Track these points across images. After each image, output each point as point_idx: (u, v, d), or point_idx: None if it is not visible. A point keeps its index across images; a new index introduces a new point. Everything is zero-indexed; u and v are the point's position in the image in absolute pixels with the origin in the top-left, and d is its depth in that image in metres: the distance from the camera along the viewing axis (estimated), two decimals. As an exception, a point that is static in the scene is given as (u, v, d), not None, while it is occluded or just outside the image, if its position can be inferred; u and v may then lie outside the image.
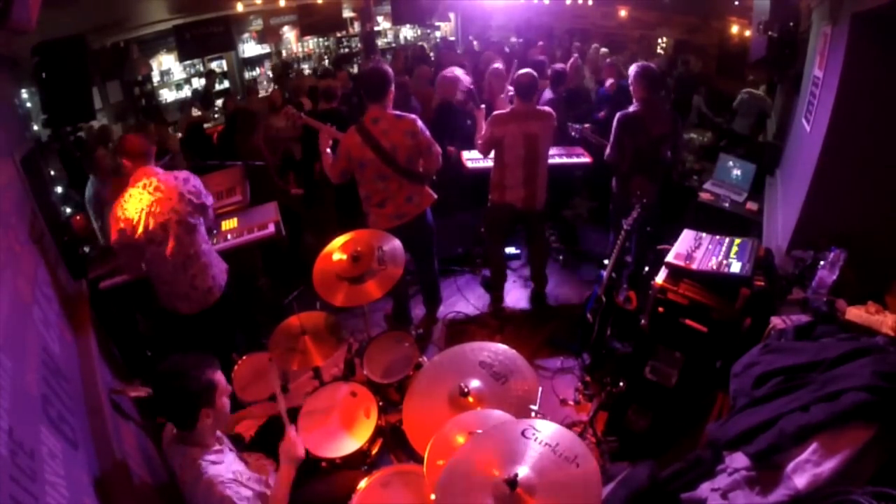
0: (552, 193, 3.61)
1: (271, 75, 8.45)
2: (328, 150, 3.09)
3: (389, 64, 5.68)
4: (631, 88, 3.42)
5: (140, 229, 2.36)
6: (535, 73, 3.36)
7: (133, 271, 2.66)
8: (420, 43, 10.15)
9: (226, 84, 8.37)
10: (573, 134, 4.11)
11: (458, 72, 4.23)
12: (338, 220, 4.36)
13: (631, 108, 3.39)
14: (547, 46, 7.71)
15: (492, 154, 3.45)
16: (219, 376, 1.65)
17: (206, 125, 5.98)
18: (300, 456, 1.82)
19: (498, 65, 4.78)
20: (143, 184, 2.40)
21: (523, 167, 3.36)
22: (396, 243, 2.55)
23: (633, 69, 3.38)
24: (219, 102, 7.59)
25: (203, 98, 7.74)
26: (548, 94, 4.55)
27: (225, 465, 1.63)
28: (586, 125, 4.08)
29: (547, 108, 3.41)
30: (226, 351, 2.82)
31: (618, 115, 3.42)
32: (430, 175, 3.16)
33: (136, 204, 2.37)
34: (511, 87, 4.51)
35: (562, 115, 4.19)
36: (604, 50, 7.16)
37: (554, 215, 4.63)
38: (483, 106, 3.60)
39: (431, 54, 8.89)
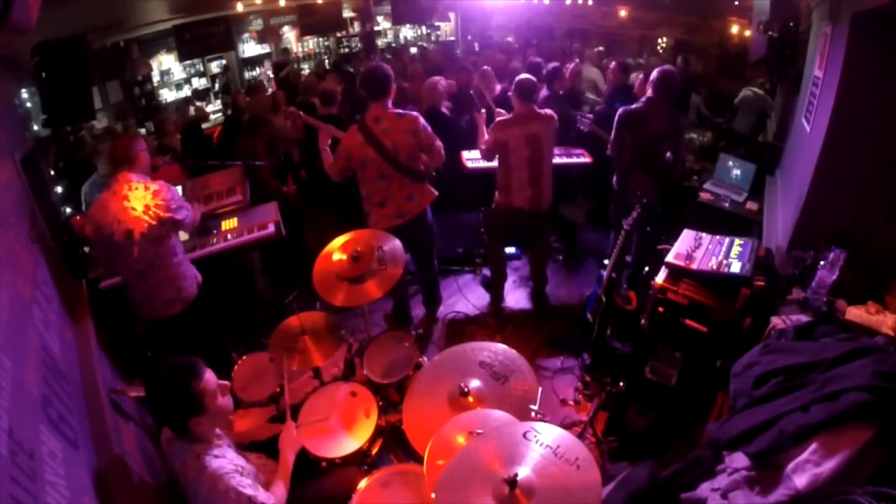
0: (558, 194, 3.61)
1: (272, 74, 8.46)
2: (327, 148, 3.09)
3: (389, 63, 5.67)
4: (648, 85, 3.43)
5: (106, 233, 2.36)
6: (533, 78, 3.39)
7: (107, 269, 2.66)
8: (420, 43, 10.16)
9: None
10: (580, 127, 4.12)
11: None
12: (338, 220, 4.36)
13: (634, 105, 3.41)
14: (546, 47, 7.70)
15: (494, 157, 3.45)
16: (205, 384, 1.58)
17: (203, 125, 5.98)
18: (299, 444, 1.97)
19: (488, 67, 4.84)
20: (114, 190, 2.40)
21: (528, 168, 3.37)
22: (396, 243, 2.55)
23: (655, 71, 3.38)
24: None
25: (224, 90, 7.78)
26: (543, 92, 4.55)
27: (228, 459, 1.64)
28: (588, 117, 4.13)
29: (548, 111, 3.41)
30: (211, 355, 2.81)
31: (620, 110, 3.45)
32: (431, 171, 3.17)
33: (105, 210, 2.37)
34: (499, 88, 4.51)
35: (559, 112, 4.21)
36: (600, 49, 7.18)
37: (554, 215, 4.63)
38: (483, 110, 3.59)
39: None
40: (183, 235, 3.17)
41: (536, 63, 5.00)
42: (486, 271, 4.15)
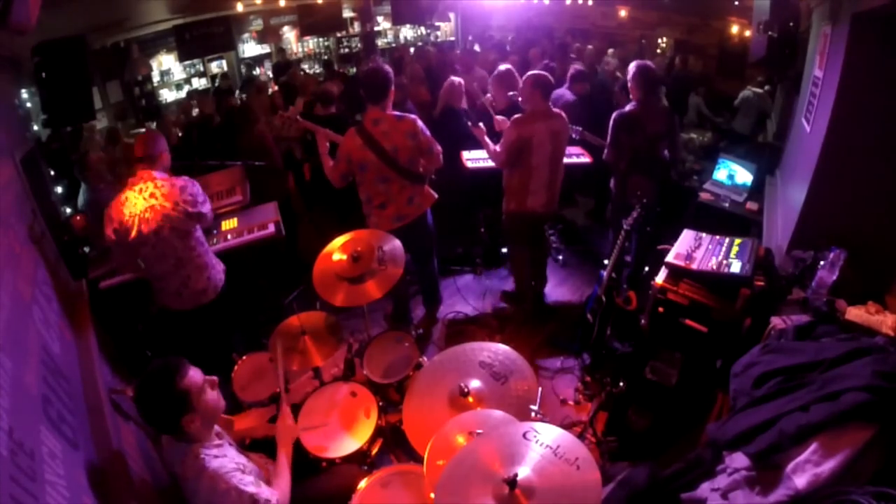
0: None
1: (271, 74, 8.46)
2: (327, 153, 3.07)
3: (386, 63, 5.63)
4: (629, 86, 3.42)
5: (133, 233, 2.37)
6: (550, 77, 3.28)
7: (130, 269, 2.66)
8: (419, 43, 10.15)
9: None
10: (573, 136, 4.08)
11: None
12: (338, 220, 4.36)
13: (627, 108, 3.39)
14: (546, 48, 7.68)
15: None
16: (189, 381, 1.55)
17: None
18: (295, 433, 1.98)
19: (506, 66, 4.77)
20: (140, 188, 2.40)
21: (548, 168, 3.24)
22: (396, 243, 2.55)
23: (631, 68, 3.37)
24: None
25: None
26: (568, 95, 4.49)
27: (228, 458, 1.63)
28: (578, 127, 4.01)
29: (560, 111, 3.31)
30: (222, 351, 2.82)
31: (614, 114, 3.42)
32: (430, 174, 3.16)
33: (130, 208, 2.37)
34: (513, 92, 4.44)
35: (585, 114, 4.17)
36: (610, 51, 7.19)
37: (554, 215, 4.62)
38: (481, 123, 3.47)
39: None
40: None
41: (550, 67, 4.99)
42: (486, 278, 4.10)
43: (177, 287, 2.57)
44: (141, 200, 2.38)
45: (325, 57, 9.36)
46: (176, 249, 2.48)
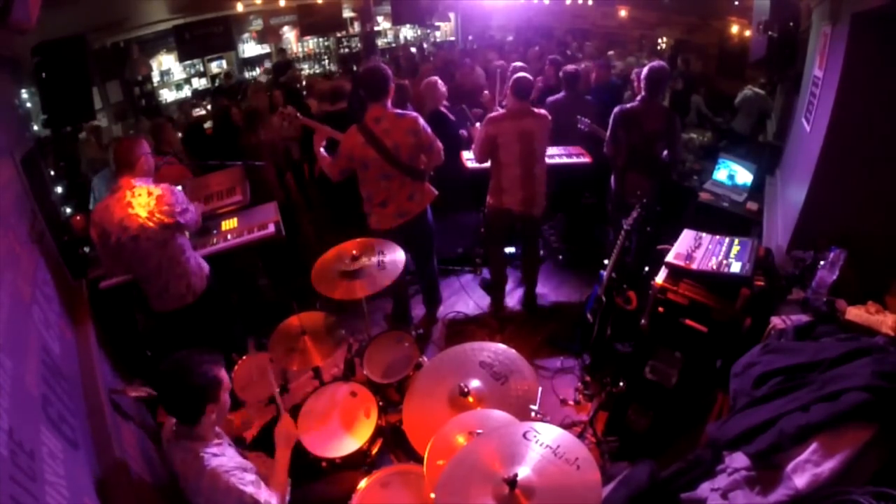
0: (560, 192, 3.56)
1: (272, 75, 8.47)
2: (322, 150, 3.07)
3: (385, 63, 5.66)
4: (635, 83, 3.43)
5: (112, 238, 2.38)
6: (531, 77, 3.37)
7: (116, 273, 2.66)
8: (421, 43, 10.17)
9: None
10: (581, 127, 4.09)
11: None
12: (337, 220, 4.36)
13: (628, 104, 3.41)
14: (545, 48, 7.69)
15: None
16: (223, 373, 1.66)
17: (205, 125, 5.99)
18: (295, 436, 1.96)
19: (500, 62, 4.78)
20: (118, 196, 2.39)
21: (520, 166, 3.30)
22: (398, 251, 2.55)
23: (646, 67, 3.39)
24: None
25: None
26: (561, 95, 4.50)
27: (227, 457, 1.64)
28: (587, 119, 4.06)
29: (542, 111, 3.38)
30: (219, 349, 2.82)
31: (615, 109, 3.45)
32: (431, 171, 3.17)
33: (110, 215, 2.37)
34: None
35: (595, 111, 4.17)
36: (610, 53, 7.21)
37: (554, 214, 4.62)
38: (478, 124, 3.53)
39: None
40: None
41: (559, 62, 5.01)
42: (487, 273, 4.14)
43: (158, 290, 2.58)
44: (119, 209, 2.37)
45: (326, 57, 9.38)
46: (154, 256, 2.47)
